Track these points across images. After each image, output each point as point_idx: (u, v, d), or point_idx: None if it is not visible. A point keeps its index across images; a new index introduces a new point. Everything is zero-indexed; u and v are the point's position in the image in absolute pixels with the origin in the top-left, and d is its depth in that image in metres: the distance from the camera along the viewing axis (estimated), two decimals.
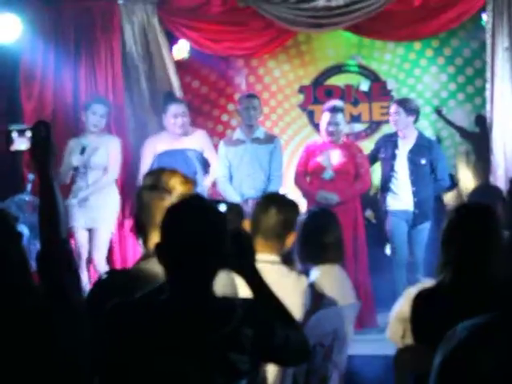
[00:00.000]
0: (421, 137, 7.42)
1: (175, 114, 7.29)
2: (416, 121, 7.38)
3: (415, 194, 7.24)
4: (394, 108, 7.33)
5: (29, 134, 2.96)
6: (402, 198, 7.31)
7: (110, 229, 7.34)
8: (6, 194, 7.27)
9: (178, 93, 7.86)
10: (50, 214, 2.83)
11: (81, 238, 7.24)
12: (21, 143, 2.99)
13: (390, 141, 7.42)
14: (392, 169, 7.33)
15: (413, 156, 7.29)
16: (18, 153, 7.57)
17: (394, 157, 7.34)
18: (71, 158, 7.16)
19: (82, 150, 7.08)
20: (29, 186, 7.26)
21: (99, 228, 7.23)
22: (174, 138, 7.37)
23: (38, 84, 7.84)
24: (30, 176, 7.28)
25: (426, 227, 7.27)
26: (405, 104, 7.31)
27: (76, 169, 7.18)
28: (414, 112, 7.31)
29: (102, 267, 7.08)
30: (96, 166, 7.22)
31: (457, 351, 2.17)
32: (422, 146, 7.33)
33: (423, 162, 7.28)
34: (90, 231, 7.25)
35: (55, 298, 2.72)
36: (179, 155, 7.28)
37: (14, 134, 2.96)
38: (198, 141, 7.44)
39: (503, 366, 2.08)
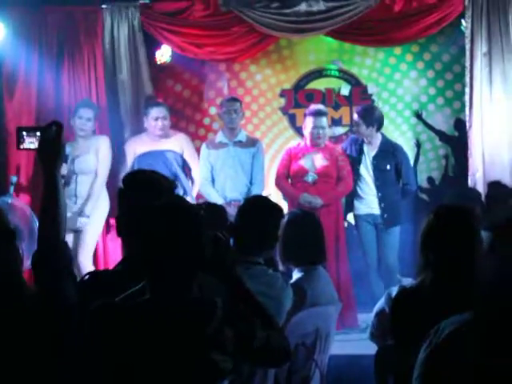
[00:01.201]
0: (385, 142, 7.46)
1: (156, 117, 7.39)
2: (379, 129, 7.42)
3: (382, 199, 7.29)
4: (355, 118, 7.39)
5: (38, 133, 2.99)
6: (367, 202, 7.36)
7: (98, 231, 7.37)
8: None
9: (132, 101, 7.92)
10: (53, 215, 2.82)
11: (68, 240, 7.20)
12: (30, 142, 3.00)
13: (356, 144, 7.47)
14: (357, 173, 7.38)
15: (377, 162, 7.35)
16: (2, 155, 7.62)
17: (359, 161, 7.40)
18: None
19: (65, 158, 7.08)
20: (11, 189, 7.25)
21: (87, 230, 7.26)
22: (154, 139, 7.44)
23: (20, 88, 7.83)
24: (13, 178, 7.29)
25: (395, 230, 7.32)
26: (365, 116, 7.32)
27: (63, 176, 7.20)
28: (374, 122, 7.32)
29: (88, 269, 7.09)
30: (85, 172, 7.25)
31: (440, 347, 2.23)
32: (387, 152, 7.38)
33: (388, 167, 7.33)
34: (76, 233, 7.25)
35: (49, 300, 2.72)
36: (159, 156, 7.35)
37: (24, 133, 2.98)
38: (177, 143, 7.51)
39: (482, 359, 2.14)
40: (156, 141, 7.44)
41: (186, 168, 7.51)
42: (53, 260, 2.79)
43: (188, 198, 7.28)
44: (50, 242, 2.82)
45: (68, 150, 7.16)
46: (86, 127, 7.33)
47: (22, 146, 3.02)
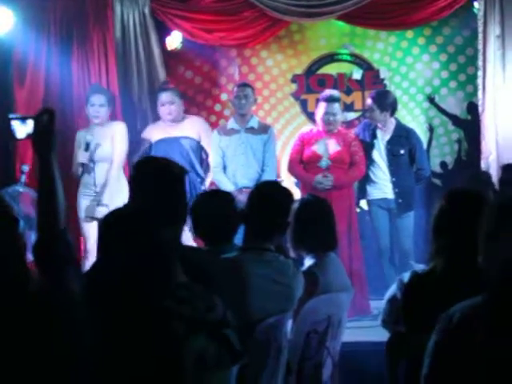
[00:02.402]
0: (399, 127, 7.41)
1: (162, 103, 7.40)
2: (392, 114, 7.37)
3: (395, 184, 7.25)
4: (368, 103, 7.34)
5: (31, 122, 2.96)
6: (381, 188, 7.32)
7: None
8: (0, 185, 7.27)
9: (145, 88, 7.94)
10: (49, 204, 2.81)
11: (88, 228, 7.20)
12: (23, 132, 2.96)
13: (369, 129, 7.42)
14: (370, 158, 7.34)
15: (391, 146, 7.29)
16: (11, 143, 7.61)
17: (372, 146, 7.36)
18: (78, 154, 7.20)
19: (86, 146, 7.12)
20: (22, 177, 7.24)
21: None
22: (169, 125, 7.43)
23: (30, 76, 7.85)
24: (24, 167, 7.27)
25: (409, 215, 7.29)
26: (379, 100, 7.27)
27: (83, 165, 7.20)
28: (388, 107, 7.27)
29: None
30: (102, 159, 7.20)
31: (452, 331, 2.21)
32: (401, 136, 7.33)
33: (402, 152, 7.28)
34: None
35: (52, 290, 2.72)
36: (174, 143, 7.34)
37: (16, 123, 2.93)
38: (193, 129, 7.48)
39: (494, 345, 2.12)
40: (171, 127, 7.42)
41: (202, 154, 7.50)
42: (52, 248, 2.79)
43: (202, 187, 7.30)
44: (49, 231, 2.81)
45: (89, 138, 7.16)
46: (99, 114, 7.29)
47: (16, 137, 2.99)
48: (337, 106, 7.26)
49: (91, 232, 7.08)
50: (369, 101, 7.33)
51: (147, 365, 2.71)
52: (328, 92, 7.43)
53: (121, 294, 2.75)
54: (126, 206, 3.28)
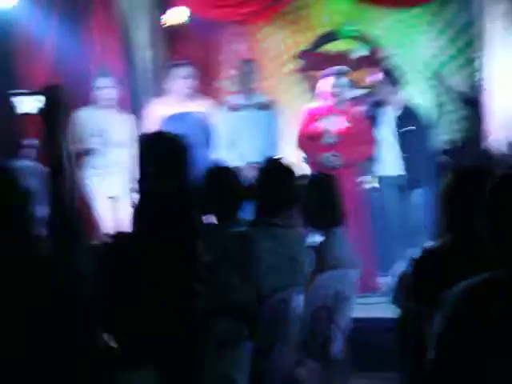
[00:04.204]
0: (408, 103, 7.43)
1: (185, 76, 7.34)
2: (400, 89, 7.38)
3: (405, 160, 7.26)
4: (379, 77, 7.33)
5: (39, 97, 2.95)
6: (390, 164, 7.32)
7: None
8: (3, 159, 7.23)
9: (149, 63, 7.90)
10: (57, 180, 2.82)
11: (103, 207, 7.20)
12: (26, 107, 2.96)
13: (377, 106, 7.43)
14: (379, 135, 7.33)
15: (401, 122, 7.30)
16: (14, 118, 7.58)
17: (381, 123, 7.35)
18: (87, 137, 7.14)
19: (100, 133, 7.11)
20: (32, 152, 7.21)
21: (122, 196, 7.15)
22: (182, 101, 7.38)
23: (34, 51, 7.81)
24: (32, 141, 7.25)
25: (420, 192, 7.29)
26: (389, 75, 7.32)
27: (92, 150, 7.18)
28: (398, 82, 7.31)
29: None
30: (117, 144, 7.18)
31: (457, 310, 2.21)
32: (409, 113, 7.34)
33: (412, 127, 7.28)
34: (113, 200, 7.20)
35: (61, 263, 2.72)
36: (186, 118, 7.28)
37: (18, 98, 2.93)
38: (205, 105, 7.46)
39: (503, 322, 2.12)
40: (183, 102, 7.38)
41: (210, 131, 7.48)
42: (63, 223, 2.80)
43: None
44: (59, 206, 2.82)
45: (99, 120, 7.14)
46: (107, 96, 7.28)
47: (19, 111, 2.99)
48: (345, 80, 7.24)
49: (105, 210, 7.14)
50: (379, 76, 7.30)
51: (169, 341, 2.72)
52: (336, 67, 7.42)
53: (151, 268, 2.75)
54: (161, 186, 3.28)
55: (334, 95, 7.19)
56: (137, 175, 3.95)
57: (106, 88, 7.28)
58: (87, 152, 7.18)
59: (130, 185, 7.06)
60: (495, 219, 2.35)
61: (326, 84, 7.28)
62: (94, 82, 7.33)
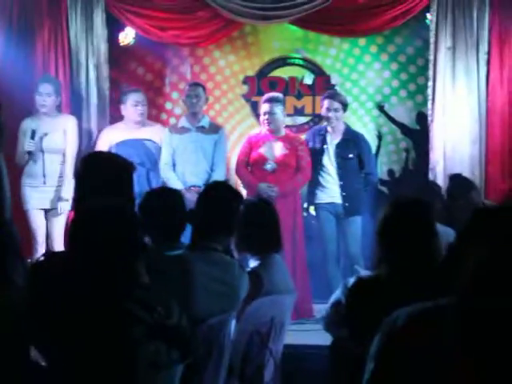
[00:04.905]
0: (348, 131, 7.47)
1: (136, 103, 7.42)
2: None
3: (343, 187, 7.28)
4: (333, 104, 7.32)
5: None
6: (329, 192, 7.33)
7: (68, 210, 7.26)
8: None
9: (106, 83, 7.91)
10: None
11: (36, 219, 7.20)
12: None
13: (319, 135, 7.45)
14: (320, 163, 7.36)
15: (340, 150, 7.33)
16: None
17: (322, 151, 7.38)
18: (23, 142, 7.14)
19: (32, 134, 7.10)
20: None
21: (56, 209, 7.20)
22: (132, 128, 7.45)
23: None
24: None
25: (357, 220, 7.32)
26: (341, 100, 7.35)
27: (30, 153, 7.14)
28: (342, 110, 7.35)
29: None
30: (52, 151, 7.20)
31: (396, 335, 2.22)
32: (350, 140, 7.37)
33: (350, 155, 7.32)
34: (47, 212, 7.23)
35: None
36: (138, 145, 7.38)
37: None
38: (156, 134, 7.51)
39: (439, 350, 2.14)
40: (134, 129, 7.45)
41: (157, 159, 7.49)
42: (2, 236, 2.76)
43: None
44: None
45: (34, 125, 7.13)
46: (46, 103, 7.27)
47: None
48: (277, 107, 7.27)
49: (39, 223, 7.17)
50: (332, 103, 7.29)
51: (100, 364, 2.69)
52: (269, 93, 7.48)
53: (85, 290, 2.72)
54: (97, 201, 3.23)
55: (265, 121, 7.25)
56: (72, 190, 3.91)
57: (46, 94, 7.26)
58: (25, 154, 7.13)
59: (62, 196, 7.08)
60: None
61: (261, 110, 7.35)
62: (36, 87, 7.32)
